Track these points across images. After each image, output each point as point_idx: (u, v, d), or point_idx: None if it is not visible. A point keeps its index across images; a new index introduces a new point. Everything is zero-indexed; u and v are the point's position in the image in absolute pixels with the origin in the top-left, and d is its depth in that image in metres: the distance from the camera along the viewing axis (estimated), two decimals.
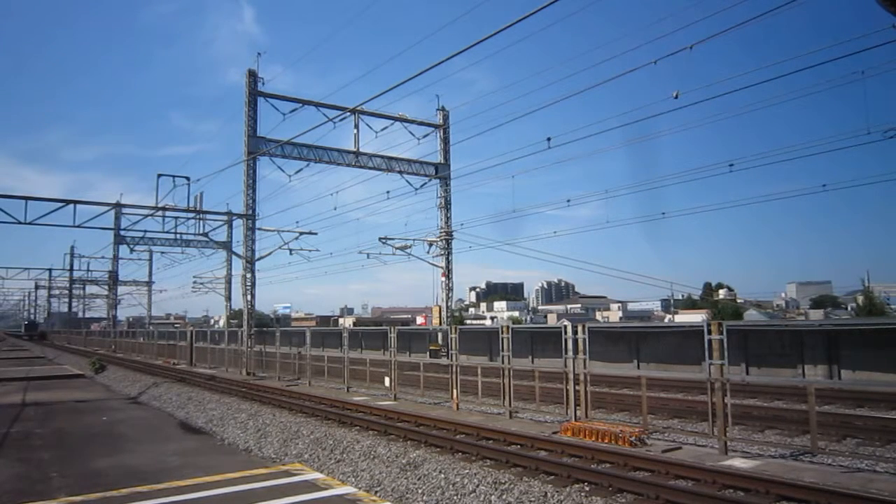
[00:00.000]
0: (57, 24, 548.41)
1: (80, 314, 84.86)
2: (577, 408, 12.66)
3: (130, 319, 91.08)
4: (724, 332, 10.11)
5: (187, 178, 26.89)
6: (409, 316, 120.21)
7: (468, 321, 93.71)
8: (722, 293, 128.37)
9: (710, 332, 10.21)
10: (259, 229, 29.78)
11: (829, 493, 7.35)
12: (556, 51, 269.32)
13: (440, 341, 31.88)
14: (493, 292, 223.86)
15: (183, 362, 36.01)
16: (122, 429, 15.07)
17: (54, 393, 22.88)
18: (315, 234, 34.96)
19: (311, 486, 9.45)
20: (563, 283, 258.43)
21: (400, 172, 31.82)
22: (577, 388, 12.68)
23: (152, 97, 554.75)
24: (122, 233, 40.18)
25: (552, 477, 9.23)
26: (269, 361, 27.36)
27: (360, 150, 29.75)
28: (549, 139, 22.17)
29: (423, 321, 71.47)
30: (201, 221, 30.73)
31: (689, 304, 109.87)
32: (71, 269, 72.89)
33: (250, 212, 28.48)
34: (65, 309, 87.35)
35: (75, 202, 25.07)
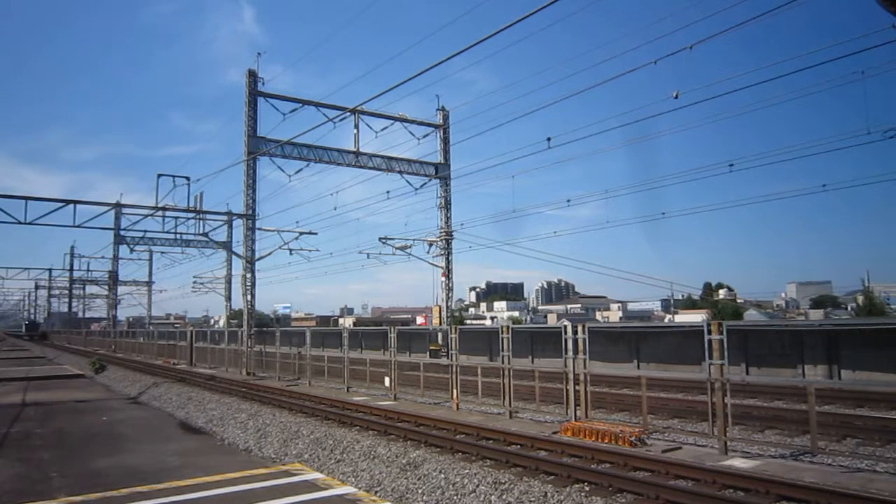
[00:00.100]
0: (57, 24, 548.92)
1: (80, 314, 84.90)
2: (577, 408, 12.66)
3: (130, 319, 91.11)
4: (724, 332, 10.11)
5: (187, 178, 26.93)
6: (409, 316, 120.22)
7: (468, 321, 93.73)
8: (722, 293, 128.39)
9: (710, 332, 10.21)
10: (259, 229, 29.81)
11: (829, 493, 7.35)
12: (556, 51, 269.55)
13: (440, 341, 31.88)
14: (493, 292, 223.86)
15: (183, 362, 36.01)
16: (122, 429, 15.07)
17: (54, 393, 22.88)
18: (315, 234, 35.02)
19: (311, 486, 9.45)
20: (563, 283, 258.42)
21: (400, 172, 31.82)
22: (577, 388, 12.68)
23: (152, 97, 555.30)
24: (122, 233, 40.19)
25: (552, 477, 9.23)
26: (269, 361, 27.36)
27: (360, 150, 29.76)
28: (549, 139, 22.20)
29: (423, 321, 71.48)
30: (201, 221, 30.75)
31: (689, 304, 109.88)
32: (71, 269, 72.97)
33: (250, 212, 28.48)
34: (65, 309, 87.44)
35: (75, 202, 25.09)
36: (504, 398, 14.41)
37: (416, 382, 18.39)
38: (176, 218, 30.00)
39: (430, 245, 33.98)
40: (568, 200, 42.79)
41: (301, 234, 34.32)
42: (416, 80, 11.31)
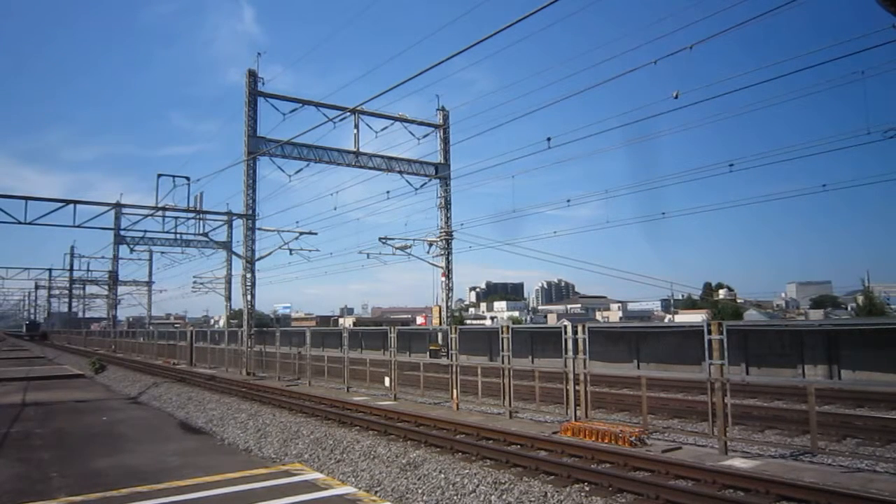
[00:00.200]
0: (57, 24, 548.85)
1: (80, 314, 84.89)
2: (577, 408, 12.66)
3: (130, 319, 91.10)
4: (724, 332, 10.11)
5: (187, 178, 26.93)
6: (409, 316, 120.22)
7: (468, 321, 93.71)
8: (722, 293, 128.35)
9: (710, 332, 10.20)
10: (259, 229, 29.80)
11: (829, 493, 7.35)
12: (556, 51, 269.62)
13: (440, 341, 31.88)
14: (493, 292, 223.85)
15: (183, 362, 36.01)
16: (122, 429, 15.07)
17: (54, 393, 22.88)
18: (315, 234, 35.02)
19: (311, 486, 9.45)
20: (563, 283, 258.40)
21: (400, 172, 31.82)
22: (577, 388, 12.68)
23: (152, 97, 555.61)
24: (122, 233, 40.19)
25: (552, 477, 9.23)
26: (269, 361, 27.36)
27: (360, 150, 29.76)
28: (549, 139, 22.20)
29: (423, 321, 71.48)
30: (201, 221, 30.74)
31: (689, 304, 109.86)
32: (71, 269, 72.96)
33: (250, 212, 28.48)
34: (65, 309, 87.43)
35: (75, 202, 25.09)
36: (504, 398, 14.41)
37: (416, 382, 18.39)
38: (176, 218, 30.01)
39: (430, 245, 33.98)
40: (568, 200, 42.83)
41: (301, 234, 34.34)
42: (416, 80, 11.32)
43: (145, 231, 35.99)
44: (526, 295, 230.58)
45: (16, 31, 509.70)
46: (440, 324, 32.99)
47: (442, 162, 33.50)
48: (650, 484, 8.41)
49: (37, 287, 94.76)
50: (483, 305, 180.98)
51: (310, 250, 36.20)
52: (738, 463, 9.27)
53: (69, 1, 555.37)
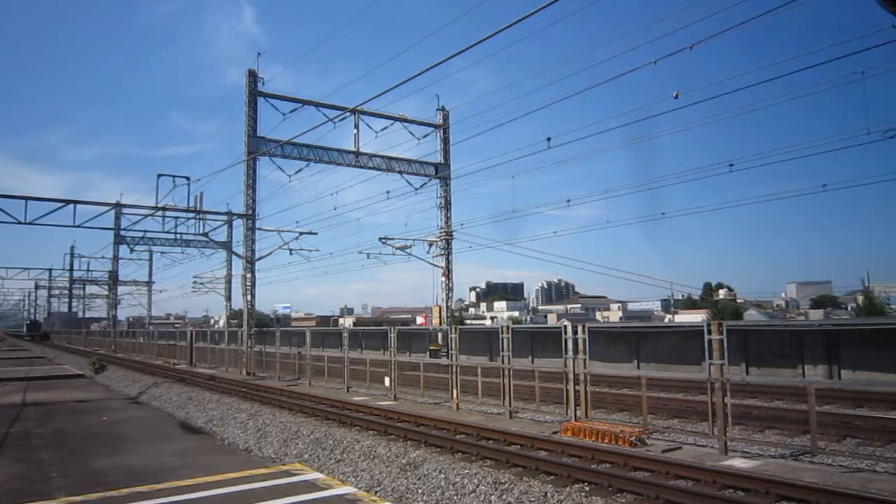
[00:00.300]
0: (57, 24, 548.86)
1: (80, 314, 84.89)
2: (577, 408, 12.66)
3: (130, 319, 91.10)
4: (724, 332, 10.11)
5: (187, 178, 26.93)
6: (409, 316, 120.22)
7: (468, 321, 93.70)
8: (722, 293, 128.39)
9: (710, 332, 10.21)
10: (259, 229, 29.81)
11: (829, 493, 7.35)
12: (556, 51, 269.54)
13: (440, 341, 31.89)
14: (493, 292, 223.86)
15: (183, 362, 36.01)
16: (122, 429, 15.07)
17: (54, 393, 22.88)
18: (315, 234, 35.03)
19: (311, 486, 9.45)
20: (563, 283, 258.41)
21: (400, 172, 31.82)
22: (577, 388, 12.68)
23: (152, 97, 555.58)
24: (122, 233, 40.20)
25: (552, 477, 9.23)
26: (269, 361, 27.35)
27: (360, 150, 29.76)
28: (549, 139, 22.20)
29: (423, 321, 71.48)
30: (201, 221, 30.74)
31: (689, 304, 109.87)
32: (71, 269, 72.96)
33: (250, 212, 28.48)
34: (65, 309, 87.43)
35: (75, 202, 25.09)
36: (504, 398, 14.41)
37: (416, 382, 18.39)
38: (176, 218, 30.01)
39: (430, 245, 33.98)
40: (568, 200, 42.80)
41: (301, 234, 34.35)
42: (416, 80, 11.32)
43: (145, 231, 36.02)
44: (526, 295, 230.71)
45: (16, 31, 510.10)
46: (440, 324, 32.99)
47: (442, 162, 33.50)
48: (650, 484, 8.42)
49: (37, 287, 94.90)
50: (483, 305, 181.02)
51: (310, 250, 36.25)
52: (738, 463, 9.27)
53: (69, 1, 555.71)
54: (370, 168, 30.63)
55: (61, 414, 17.57)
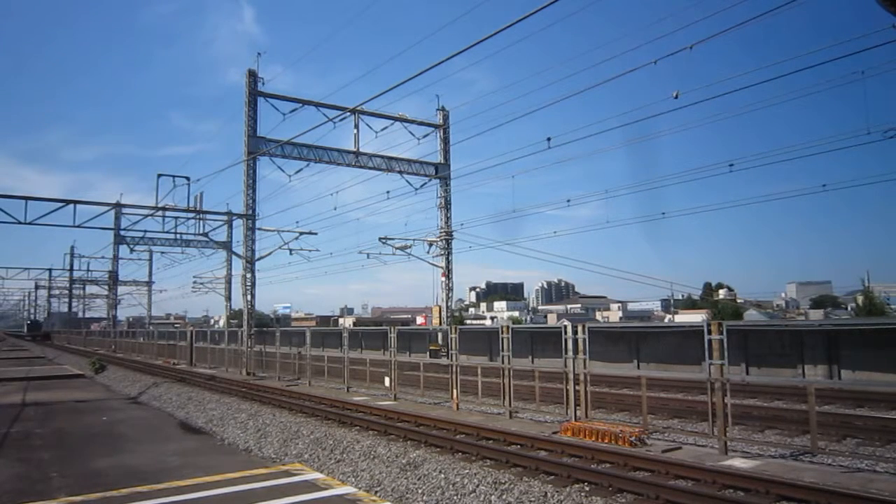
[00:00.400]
0: (57, 24, 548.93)
1: (80, 314, 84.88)
2: (577, 408, 12.66)
3: (130, 319, 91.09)
4: (724, 332, 10.11)
5: (187, 178, 26.92)
6: (409, 316, 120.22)
7: (468, 321, 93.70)
8: (722, 293, 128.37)
9: (710, 332, 10.20)
10: (259, 229, 29.81)
11: (829, 493, 7.35)
12: (556, 51, 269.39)
13: (440, 341, 31.88)
14: (493, 292, 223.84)
15: (183, 362, 36.01)
16: (122, 429, 15.07)
17: (54, 393, 22.88)
18: (315, 234, 35.03)
19: (311, 486, 9.45)
20: (563, 283, 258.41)
21: (400, 172, 31.82)
22: (577, 388, 12.68)
23: (152, 97, 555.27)
24: (122, 233, 40.23)
25: (552, 477, 9.23)
26: (269, 361, 27.36)
27: (360, 150, 29.75)
28: (549, 139, 22.18)
29: (423, 321, 71.50)
30: (201, 221, 30.75)
31: (689, 304, 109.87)
32: (71, 269, 72.95)
33: (250, 212, 28.48)
34: (65, 309, 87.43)
35: (75, 202, 25.08)
36: (504, 398, 14.41)
37: (416, 382, 18.39)
38: (176, 218, 30.02)
39: (430, 245, 33.98)
40: (568, 200, 42.69)
41: (301, 234, 34.35)
42: (416, 80, 11.32)
43: (145, 231, 36.06)
44: (526, 295, 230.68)
45: (16, 31, 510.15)
46: (440, 324, 32.99)
47: (442, 162, 33.50)
48: (650, 484, 8.42)
49: (37, 287, 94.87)
50: (483, 305, 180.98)
51: (310, 250, 36.25)
52: (738, 463, 9.27)
53: (69, 1, 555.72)
54: (370, 168, 30.63)
55: (61, 414, 17.57)
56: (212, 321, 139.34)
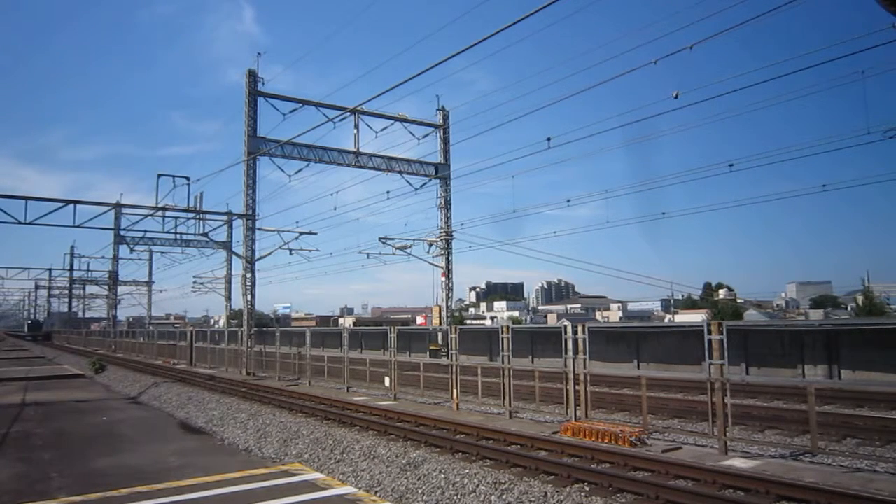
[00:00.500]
0: (57, 24, 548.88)
1: (80, 314, 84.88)
2: (577, 408, 12.66)
3: (130, 319, 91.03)
4: (724, 332, 10.11)
5: (187, 178, 26.91)
6: (409, 316, 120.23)
7: (468, 321, 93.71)
8: (722, 293, 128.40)
9: (710, 332, 10.20)
10: (259, 229, 29.82)
11: (829, 493, 7.35)
12: (556, 51, 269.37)
13: (440, 341, 31.88)
14: (493, 292, 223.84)
15: (183, 362, 36.00)
16: (122, 429, 15.07)
17: (54, 393, 22.88)
18: (315, 234, 35.04)
19: (311, 486, 9.45)
20: (563, 283, 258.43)
21: (400, 172, 31.83)
22: (577, 388, 12.68)
23: (152, 97, 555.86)
24: (122, 233, 40.20)
25: (552, 477, 9.23)
26: (269, 361, 27.36)
27: (360, 150, 29.76)
28: (549, 139, 22.16)
29: (423, 321, 71.50)
30: (201, 221, 30.78)
31: (689, 304, 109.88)
32: (71, 269, 73.02)
33: (250, 212, 28.48)
34: (64, 309, 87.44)
35: (75, 202, 25.08)
36: (504, 398, 14.41)
37: (416, 382, 18.39)
38: (176, 218, 30.03)
39: (430, 245, 33.98)
40: (568, 200, 42.61)
41: (301, 234, 34.35)
42: (416, 80, 11.32)
43: (145, 231, 36.12)
44: (526, 295, 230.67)
45: (16, 31, 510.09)
46: (440, 324, 32.98)
47: (442, 162, 33.50)
48: (650, 484, 8.41)
49: (37, 287, 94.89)
50: (483, 305, 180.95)
51: (310, 250, 36.26)
52: (738, 463, 9.27)
53: (69, 1, 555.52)
54: (370, 168, 30.64)
55: (61, 414, 17.57)
56: (212, 321, 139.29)
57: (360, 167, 30.27)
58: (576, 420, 12.45)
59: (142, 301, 70.36)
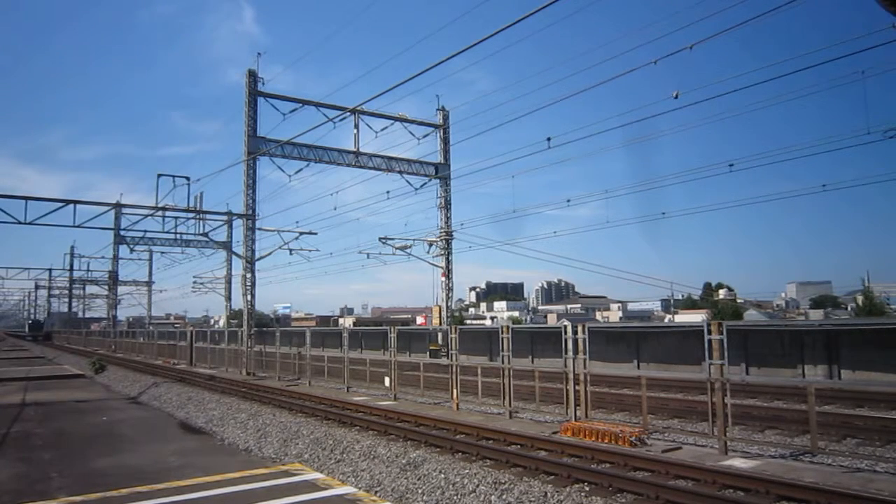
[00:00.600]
0: (57, 24, 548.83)
1: (80, 314, 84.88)
2: (577, 408, 12.66)
3: (130, 319, 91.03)
4: (724, 332, 10.11)
5: (187, 178, 26.91)
6: (409, 316, 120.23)
7: (468, 321, 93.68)
8: (722, 293, 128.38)
9: (710, 332, 10.20)
10: (259, 229, 29.82)
11: (829, 493, 7.35)
12: (556, 51, 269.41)
13: (440, 341, 31.88)
14: (493, 292, 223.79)
15: (183, 362, 36.00)
16: (122, 429, 15.07)
17: (54, 393, 22.88)
18: (315, 234, 35.04)
19: (311, 486, 9.45)
20: (563, 283, 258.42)
21: (400, 172, 31.83)
22: (577, 388, 12.68)
23: (152, 97, 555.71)
24: (122, 233, 40.21)
25: (552, 477, 9.23)
26: (269, 361, 27.35)
27: (360, 150, 29.76)
28: (549, 139, 22.16)
29: (423, 321, 71.52)
30: (201, 221, 30.78)
31: (689, 304, 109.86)
32: (71, 269, 73.03)
33: (250, 212, 28.48)
34: (64, 309, 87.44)
35: (75, 202, 25.07)
36: (504, 398, 14.41)
37: (416, 382, 18.39)
38: (176, 218, 30.02)
39: (430, 245, 33.98)
40: (568, 200, 42.68)
41: (301, 234, 34.35)
42: (416, 80, 11.33)
43: (145, 231, 36.13)
44: (526, 295, 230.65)
45: (16, 31, 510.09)
46: (440, 324, 32.98)
47: (442, 162, 33.50)
48: (650, 484, 8.41)
49: (37, 287, 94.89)
50: (483, 305, 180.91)
51: (310, 250, 36.26)
52: (738, 463, 9.27)
53: (69, 1, 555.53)
54: (370, 168, 30.64)
55: (61, 414, 17.57)
56: (212, 321, 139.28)
57: (360, 167, 30.28)
58: (576, 420, 12.45)
59: (142, 301, 70.46)
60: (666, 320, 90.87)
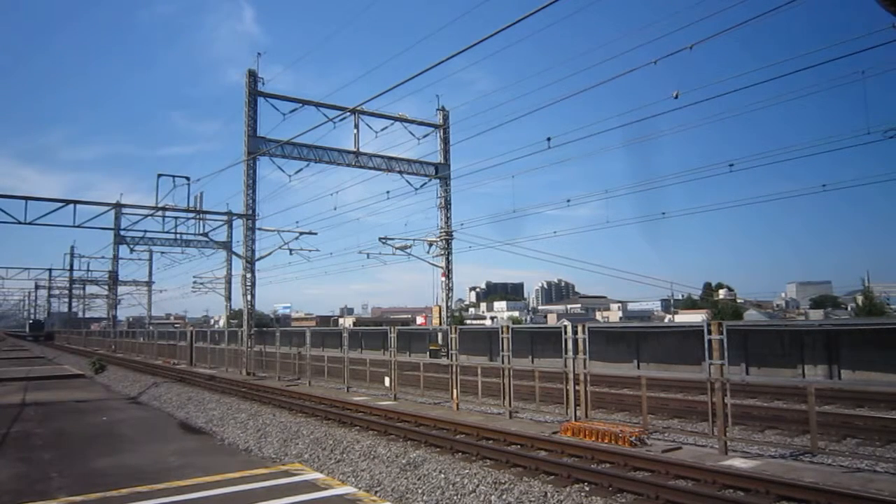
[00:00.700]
0: (57, 24, 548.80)
1: (80, 314, 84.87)
2: (577, 408, 12.66)
3: (130, 319, 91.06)
4: (724, 332, 10.10)
5: (187, 178, 26.91)
6: (409, 316, 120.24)
7: (468, 321, 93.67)
8: (722, 293, 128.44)
9: (710, 332, 10.20)
10: (259, 229, 29.82)
11: (829, 493, 7.35)
12: (556, 51, 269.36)
13: (440, 341, 31.88)
14: (493, 292, 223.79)
15: (183, 362, 36.00)
16: (122, 429, 15.07)
17: (54, 393, 22.87)
18: (315, 234, 35.04)
19: (311, 486, 9.45)
20: (563, 283, 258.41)
21: (400, 172, 31.83)
22: (577, 388, 12.68)
23: (152, 97, 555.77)
24: (122, 233, 40.20)
25: (552, 477, 9.23)
26: (269, 361, 27.35)
27: (360, 150, 29.76)
28: (549, 139, 22.15)
29: (423, 321, 71.54)
30: (201, 221, 30.78)
31: (689, 304, 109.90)
32: (71, 269, 72.99)
33: (250, 212, 28.48)
34: (64, 309, 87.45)
35: (75, 202, 25.07)
36: (504, 398, 14.41)
37: (416, 382, 18.39)
38: (176, 218, 30.02)
39: (430, 245, 33.98)
40: (568, 200, 42.68)
41: (301, 234, 34.35)
42: (416, 80, 11.33)
43: (145, 231, 36.12)
44: (526, 295, 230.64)
45: (16, 31, 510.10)
46: (440, 324, 32.98)
47: (442, 162, 33.50)
48: (650, 484, 8.41)
49: (37, 287, 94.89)
50: (483, 305, 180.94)
51: (310, 250, 36.26)
52: (738, 463, 9.27)
53: (69, 1, 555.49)
54: (370, 168, 30.64)
55: (61, 414, 17.57)
56: (212, 321, 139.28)
57: (360, 167, 30.28)
58: (576, 420, 12.45)
59: (142, 301, 70.46)
60: (666, 320, 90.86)
